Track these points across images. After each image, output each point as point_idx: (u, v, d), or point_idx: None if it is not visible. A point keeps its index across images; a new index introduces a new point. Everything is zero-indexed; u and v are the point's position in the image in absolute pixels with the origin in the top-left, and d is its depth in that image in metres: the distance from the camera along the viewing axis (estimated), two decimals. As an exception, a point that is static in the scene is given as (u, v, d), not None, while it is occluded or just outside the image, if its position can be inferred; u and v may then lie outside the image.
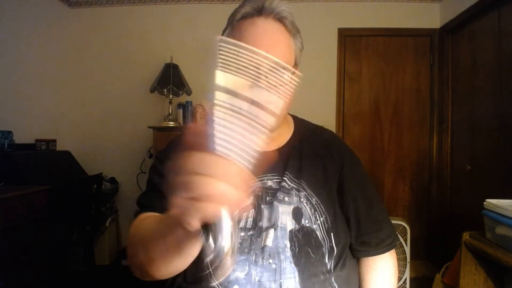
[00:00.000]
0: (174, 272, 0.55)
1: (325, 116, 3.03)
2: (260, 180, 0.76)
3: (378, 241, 0.79)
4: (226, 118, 0.33)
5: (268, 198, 0.74)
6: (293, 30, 0.72)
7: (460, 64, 2.78)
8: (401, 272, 2.11)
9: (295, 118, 0.89)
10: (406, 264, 2.11)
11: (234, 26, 0.71)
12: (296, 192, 0.75)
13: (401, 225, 2.13)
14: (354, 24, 3.10)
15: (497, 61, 2.27)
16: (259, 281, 0.69)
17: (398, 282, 2.08)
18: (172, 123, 2.85)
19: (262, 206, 0.74)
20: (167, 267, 0.53)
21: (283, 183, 0.75)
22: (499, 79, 2.24)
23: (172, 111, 2.94)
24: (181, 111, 2.92)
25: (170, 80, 2.82)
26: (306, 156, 0.80)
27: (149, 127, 2.79)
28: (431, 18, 3.04)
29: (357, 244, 0.79)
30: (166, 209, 0.62)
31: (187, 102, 2.93)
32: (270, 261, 0.69)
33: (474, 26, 2.57)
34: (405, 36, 3.08)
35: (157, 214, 0.59)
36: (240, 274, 0.68)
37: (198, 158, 0.33)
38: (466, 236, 1.34)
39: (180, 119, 2.92)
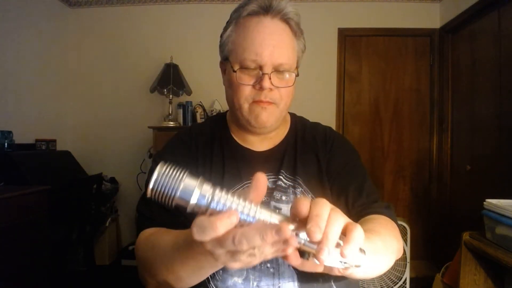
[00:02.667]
0: (203, 279, 0.56)
1: (325, 116, 3.03)
2: None
3: (374, 210, 0.71)
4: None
5: (264, 198, 0.73)
6: (298, 32, 0.72)
7: (460, 64, 2.78)
8: (401, 272, 2.11)
9: (293, 115, 0.88)
10: (406, 264, 2.11)
11: (239, 23, 0.71)
12: (293, 189, 0.74)
13: (401, 225, 2.13)
14: (354, 24, 3.10)
15: (497, 61, 2.27)
16: (257, 285, 0.68)
17: (398, 282, 2.08)
18: (172, 123, 2.85)
19: None
20: (198, 279, 0.54)
21: (279, 182, 0.75)
22: (499, 79, 2.24)
23: (172, 111, 2.94)
24: (181, 111, 2.92)
25: (170, 80, 2.82)
26: (301, 151, 0.79)
27: (149, 127, 2.79)
28: (431, 18, 3.04)
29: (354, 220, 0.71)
30: (167, 222, 0.62)
31: (187, 102, 2.94)
32: (268, 265, 0.68)
33: (474, 26, 2.57)
34: (405, 36, 3.08)
35: (171, 233, 0.58)
36: (238, 279, 0.68)
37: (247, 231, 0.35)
38: (466, 236, 1.34)
39: (180, 119, 2.92)
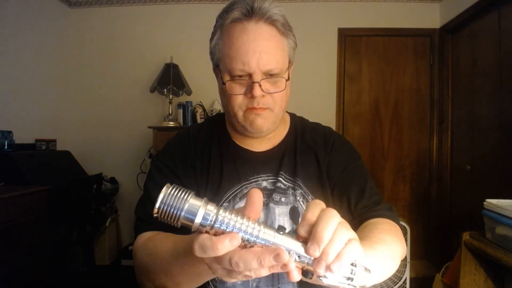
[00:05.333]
0: (201, 284, 0.56)
1: (325, 116, 3.03)
2: (255, 181, 0.75)
3: (377, 213, 0.71)
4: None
5: (263, 199, 0.72)
6: (285, 31, 0.70)
7: (460, 64, 2.78)
8: (401, 272, 2.11)
9: (292, 115, 0.87)
10: (406, 264, 2.11)
11: (223, 30, 0.69)
12: (292, 191, 0.74)
13: (401, 225, 2.13)
14: (354, 24, 3.10)
15: (497, 61, 2.27)
16: (256, 286, 0.68)
17: (398, 283, 2.08)
18: (172, 123, 2.85)
19: None
20: (196, 285, 0.54)
21: (278, 184, 0.74)
22: (499, 79, 2.24)
23: (172, 111, 2.94)
24: (181, 111, 2.92)
25: (170, 80, 2.82)
26: (300, 152, 0.78)
27: (149, 127, 2.79)
28: (431, 18, 3.05)
29: (356, 222, 0.70)
30: (165, 226, 0.62)
31: (187, 102, 2.93)
32: None
33: (474, 26, 2.57)
34: (405, 36, 3.08)
35: (170, 238, 0.59)
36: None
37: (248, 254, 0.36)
38: (466, 236, 1.34)
39: (180, 119, 2.92)
